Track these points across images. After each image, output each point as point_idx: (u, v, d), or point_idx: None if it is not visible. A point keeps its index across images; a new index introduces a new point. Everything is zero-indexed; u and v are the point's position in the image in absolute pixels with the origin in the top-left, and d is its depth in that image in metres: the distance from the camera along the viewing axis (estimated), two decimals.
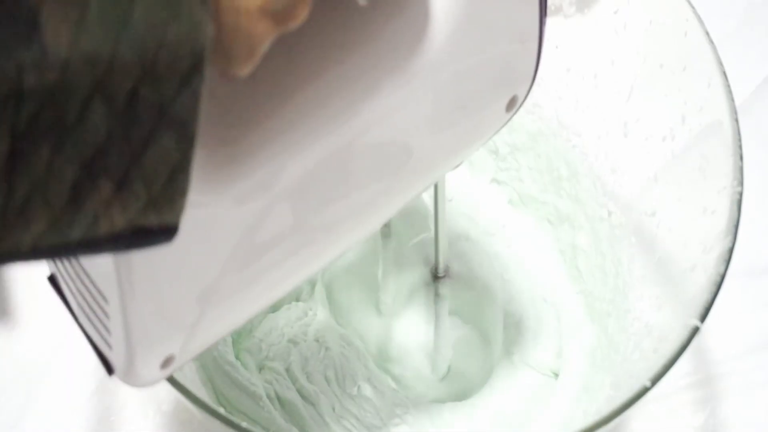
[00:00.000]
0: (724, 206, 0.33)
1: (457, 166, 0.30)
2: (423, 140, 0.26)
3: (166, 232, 0.18)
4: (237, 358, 0.43)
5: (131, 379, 0.24)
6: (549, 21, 0.43)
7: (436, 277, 0.41)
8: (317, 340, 0.45)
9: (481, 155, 0.50)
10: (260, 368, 0.43)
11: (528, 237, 0.49)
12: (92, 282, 0.23)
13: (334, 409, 0.42)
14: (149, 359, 0.24)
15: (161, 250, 0.18)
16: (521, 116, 0.46)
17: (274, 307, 0.46)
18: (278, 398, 0.42)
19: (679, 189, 0.37)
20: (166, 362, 0.24)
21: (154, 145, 0.17)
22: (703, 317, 0.30)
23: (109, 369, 0.24)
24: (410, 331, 0.46)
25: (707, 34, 0.35)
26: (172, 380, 0.29)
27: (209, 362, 0.41)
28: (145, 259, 0.21)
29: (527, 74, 0.28)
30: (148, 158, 0.17)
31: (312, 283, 0.48)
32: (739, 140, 0.33)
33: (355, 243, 0.28)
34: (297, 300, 0.47)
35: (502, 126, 0.29)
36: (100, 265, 0.22)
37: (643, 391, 0.30)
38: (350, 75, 0.23)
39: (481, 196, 0.50)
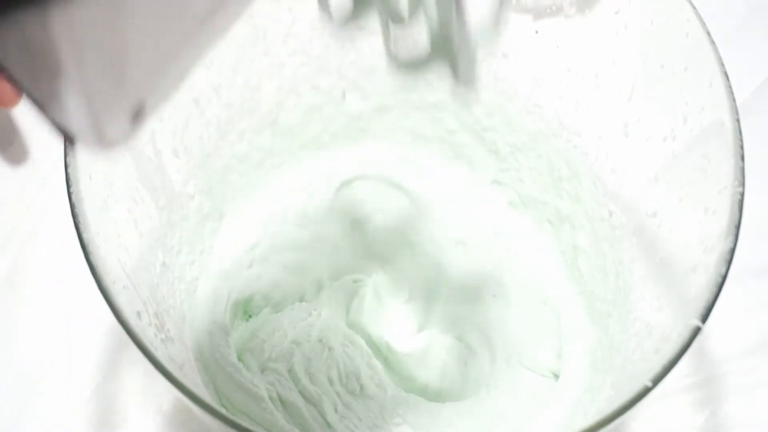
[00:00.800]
0: (725, 206, 0.32)
1: None
2: None
3: None
4: (239, 359, 0.43)
5: (100, 140, 0.21)
6: (549, 21, 0.43)
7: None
8: (320, 341, 0.45)
9: (481, 156, 0.50)
10: (263, 369, 0.43)
11: (528, 238, 0.49)
12: (33, 31, 0.19)
13: (336, 410, 0.42)
14: (115, 110, 0.20)
15: None
16: (522, 116, 0.47)
17: (278, 308, 0.46)
18: (280, 399, 0.42)
19: (680, 189, 0.37)
20: (137, 111, 0.21)
21: None
22: (704, 317, 0.30)
23: (71, 140, 0.21)
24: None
25: (708, 34, 0.35)
26: (173, 380, 0.29)
27: (211, 364, 0.41)
28: None
29: None
30: None
31: (318, 285, 0.48)
32: (741, 141, 0.33)
33: None
34: (301, 300, 0.47)
35: None
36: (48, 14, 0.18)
37: (645, 392, 0.30)
38: None
39: (481, 199, 0.50)
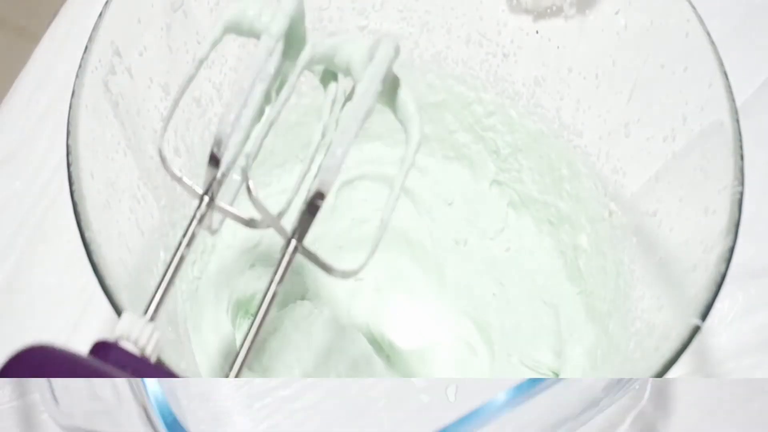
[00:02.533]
0: (724, 206, 0.32)
1: None
2: None
3: None
4: None
5: None
6: (550, 22, 0.43)
7: None
8: (322, 340, 0.45)
9: (481, 157, 0.50)
10: (265, 368, 0.43)
11: (528, 238, 0.49)
12: None
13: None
14: None
15: None
16: (522, 117, 0.47)
17: (280, 307, 0.46)
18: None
19: (680, 189, 0.37)
20: None
21: None
22: (704, 316, 0.30)
23: None
24: None
25: (708, 34, 0.35)
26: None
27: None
28: None
29: None
30: None
31: (319, 284, 0.48)
32: (740, 140, 0.33)
33: None
34: (302, 299, 0.47)
35: None
36: None
37: None
38: None
39: (481, 199, 0.50)
